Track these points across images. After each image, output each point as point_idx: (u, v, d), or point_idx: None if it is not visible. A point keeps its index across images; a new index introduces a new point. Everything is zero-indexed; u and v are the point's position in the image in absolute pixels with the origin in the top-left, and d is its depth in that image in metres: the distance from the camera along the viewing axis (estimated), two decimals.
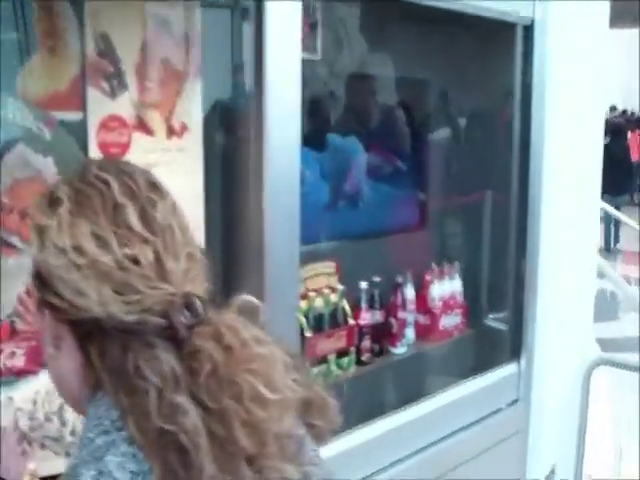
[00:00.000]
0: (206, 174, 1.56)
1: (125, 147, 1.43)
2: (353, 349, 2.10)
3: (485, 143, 2.56)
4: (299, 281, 1.77)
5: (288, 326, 1.66)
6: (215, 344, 0.87)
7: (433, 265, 2.37)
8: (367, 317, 2.14)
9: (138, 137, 1.44)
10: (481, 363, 2.37)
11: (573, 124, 2.44)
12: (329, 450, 1.80)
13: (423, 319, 2.35)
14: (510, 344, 2.40)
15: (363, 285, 2.14)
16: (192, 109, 1.53)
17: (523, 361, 2.37)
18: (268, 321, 1.58)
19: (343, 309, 2.08)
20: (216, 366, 0.86)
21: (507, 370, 2.37)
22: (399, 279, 2.25)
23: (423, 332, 2.36)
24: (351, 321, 2.09)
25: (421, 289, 2.36)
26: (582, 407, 2.59)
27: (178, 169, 1.50)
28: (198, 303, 0.89)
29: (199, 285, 0.92)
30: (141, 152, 1.44)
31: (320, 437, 1.02)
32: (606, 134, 12.17)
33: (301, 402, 0.97)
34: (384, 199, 2.39)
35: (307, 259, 2.04)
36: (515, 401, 2.39)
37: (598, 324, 7.05)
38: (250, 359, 0.89)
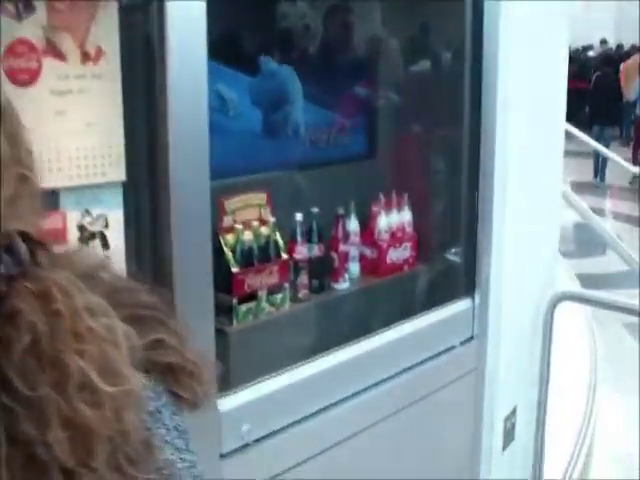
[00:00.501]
0: (126, 102, 1.42)
1: (35, 73, 1.31)
2: (287, 285, 1.94)
3: (443, 73, 2.36)
4: (213, 214, 1.62)
5: (200, 263, 1.51)
6: (40, 308, 0.65)
7: (380, 196, 2.19)
8: (303, 251, 1.98)
9: (49, 63, 1.32)
10: (433, 299, 2.22)
11: (529, 53, 2.23)
12: (267, 388, 1.71)
13: (370, 253, 2.19)
14: (465, 279, 2.24)
15: (298, 217, 1.97)
16: (108, 33, 1.40)
17: (477, 296, 2.21)
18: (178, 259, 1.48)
19: (275, 242, 1.92)
20: (38, 338, 0.64)
21: (460, 306, 2.21)
22: (340, 211, 2.08)
23: (370, 266, 2.19)
24: (284, 255, 1.92)
25: (367, 221, 2.18)
26: (545, 345, 2.45)
27: (95, 97, 1.40)
28: (24, 248, 0.66)
29: (30, 221, 0.69)
30: (53, 79, 1.33)
31: (191, 405, 0.83)
32: (597, 67, 11.97)
33: (167, 368, 0.78)
34: (329, 127, 2.19)
35: (238, 190, 1.88)
36: (470, 338, 2.24)
37: (584, 259, 6.98)
38: (81, 335, 0.66)
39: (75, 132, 1.49)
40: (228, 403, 1.64)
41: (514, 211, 2.24)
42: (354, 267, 2.15)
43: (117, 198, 1.49)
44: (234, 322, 1.84)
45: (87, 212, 2.03)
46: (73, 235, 2.01)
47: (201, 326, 1.50)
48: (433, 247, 2.29)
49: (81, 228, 2.01)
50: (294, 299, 1.99)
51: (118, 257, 1.52)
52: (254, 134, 1.98)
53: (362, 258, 2.20)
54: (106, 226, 2.03)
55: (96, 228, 2.02)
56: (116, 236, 1.91)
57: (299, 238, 1.97)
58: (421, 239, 2.25)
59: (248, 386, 1.69)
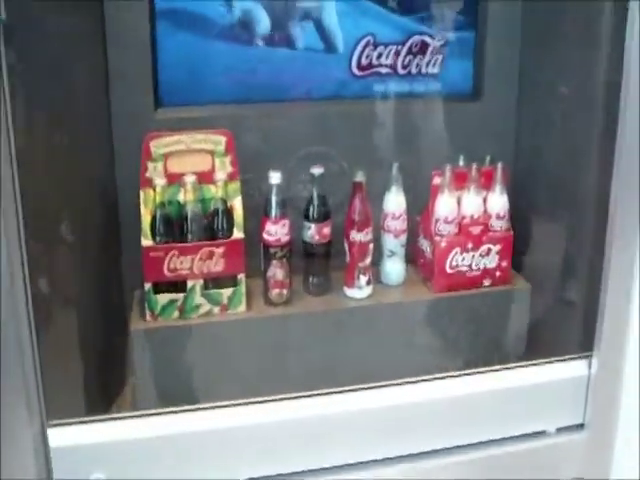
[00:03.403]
0: None
1: None
2: (242, 278, 1.28)
3: None
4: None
5: None
6: None
7: (460, 161, 1.35)
8: (276, 231, 1.29)
9: None
10: (522, 348, 1.34)
11: None
12: (161, 428, 1.12)
13: (428, 250, 1.38)
14: (580, 326, 1.30)
15: (274, 178, 1.27)
16: None
17: (597, 360, 1.26)
18: None
19: (226, 212, 1.27)
20: None
21: (566, 369, 1.28)
22: (359, 177, 1.31)
23: (429, 272, 1.39)
24: (238, 233, 1.26)
25: (426, 201, 1.37)
26: None
27: None
28: None
29: None
30: None
31: None
32: None
33: None
34: (398, 43, 1.39)
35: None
36: (578, 426, 1.31)
37: None
38: None
39: None
40: (77, 435, 1.12)
41: None
42: (392, 267, 1.38)
43: None
44: (147, 315, 1.28)
45: None
46: None
47: None
48: (533, 260, 1.37)
49: None
50: (266, 300, 1.34)
51: None
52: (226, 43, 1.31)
53: (421, 256, 1.41)
54: None
55: None
56: None
57: (273, 210, 1.29)
58: (518, 243, 1.35)
59: (126, 418, 1.16)
